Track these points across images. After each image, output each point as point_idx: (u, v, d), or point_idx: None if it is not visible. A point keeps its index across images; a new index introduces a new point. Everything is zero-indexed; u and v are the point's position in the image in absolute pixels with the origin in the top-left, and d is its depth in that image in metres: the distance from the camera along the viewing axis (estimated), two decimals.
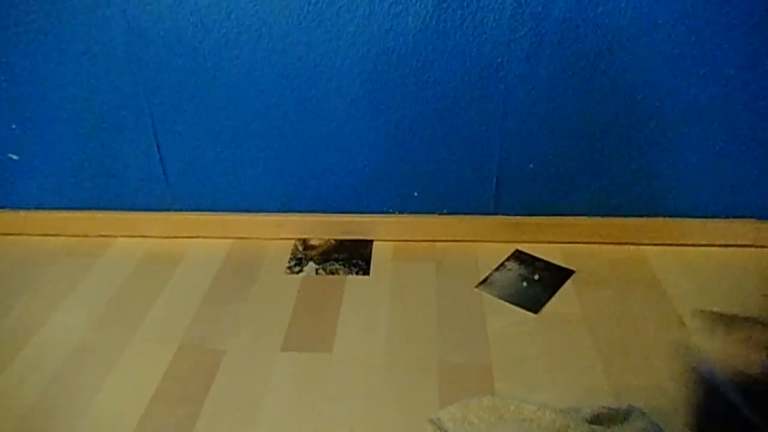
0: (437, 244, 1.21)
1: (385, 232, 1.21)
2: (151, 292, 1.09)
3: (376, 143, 1.12)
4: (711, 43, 0.99)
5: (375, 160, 1.14)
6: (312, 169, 1.16)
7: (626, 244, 1.18)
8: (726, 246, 1.17)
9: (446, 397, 0.85)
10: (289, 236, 1.23)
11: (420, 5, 0.98)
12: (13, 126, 1.15)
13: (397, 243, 1.21)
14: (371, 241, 1.22)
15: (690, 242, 1.17)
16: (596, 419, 0.78)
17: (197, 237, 1.24)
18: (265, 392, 0.87)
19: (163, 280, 1.12)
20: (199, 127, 1.13)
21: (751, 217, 1.15)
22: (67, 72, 1.08)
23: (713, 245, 1.17)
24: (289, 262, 1.15)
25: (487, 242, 1.20)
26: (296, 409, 0.84)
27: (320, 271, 1.13)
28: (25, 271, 1.16)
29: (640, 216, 1.17)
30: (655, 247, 1.17)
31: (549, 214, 1.18)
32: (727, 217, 1.15)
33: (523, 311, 1.02)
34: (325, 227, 1.22)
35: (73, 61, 1.07)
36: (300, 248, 1.16)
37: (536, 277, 1.10)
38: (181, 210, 1.23)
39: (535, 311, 1.01)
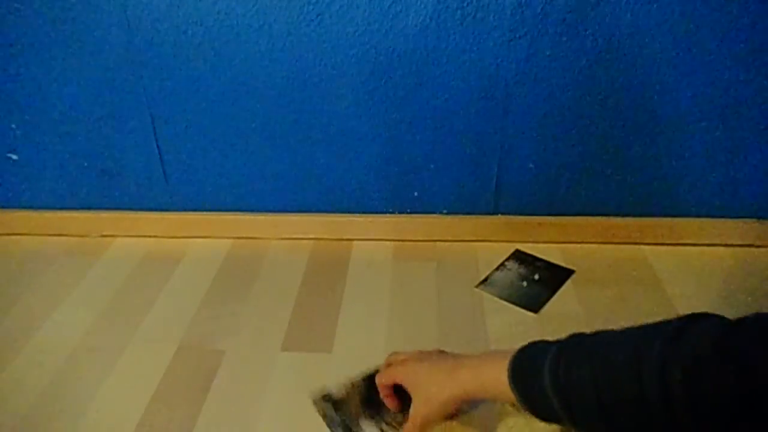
0: (437, 244, 1.21)
1: (385, 232, 1.21)
2: (151, 292, 1.09)
3: (376, 143, 1.12)
4: (712, 43, 0.99)
5: (375, 160, 1.14)
6: (312, 168, 1.16)
7: (626, 244, 1.18)
8: (726, 246, 1.17)
9: None
10: (289, 236, 1.23)
11: (420, 5, 0.98)
12: (13, 126, 1.15)
13: (397, 243, 1.21)
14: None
15: (690, 242, 1.17)
16: None
17: (197, 237, 1.24)
18: (265, 392, 0.87)
19: (163, 280, 1.12)
20: (199, 127, 1.13)
21: (751, 217, 1.15)
22: (67, 71, 1.08)
23: (713, 245, 1.17)
24: None
25: (487, 242, 1.20)
26: (296, 409, 0.84)
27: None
28: (25, 271, 1.16)
29: (640, 216, 1.17)
30: (655, 247, 1.17)
31: (549, 214, 1.18)
32: (727, 217, 1.15)
33: (523, 311, 1.02)
34: (325, 227, 1.22)
35: (73, 61, 1.07)
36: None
37: (536, 277, 1.10)
38: (181, 210, 1.23)
39: (535, 311, 1.01)
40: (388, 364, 0.81)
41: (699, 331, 0.50)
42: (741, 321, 0.50)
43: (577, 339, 0.63)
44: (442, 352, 0.79)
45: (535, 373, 0.60)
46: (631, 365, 0.52)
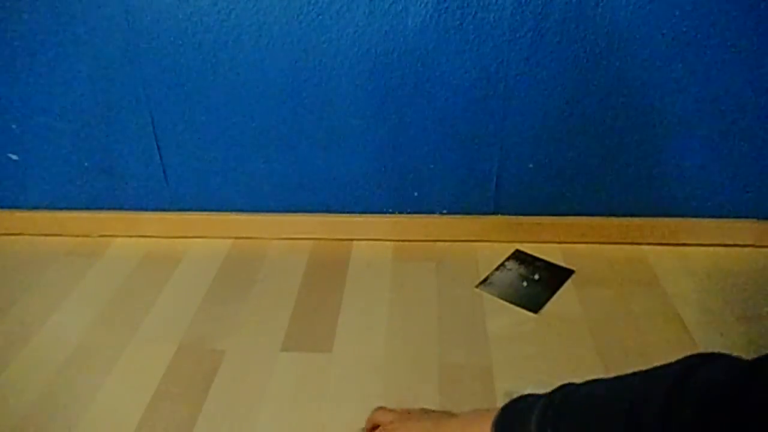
0: (437, 244, 1.21)
1: (385, 232, 1.21)
2: (151, 292, 1.09)
3: (376, 143, 1.12)
4: (712, 43, 0.99)
5: (375, 159, 1.14)
6: (312, 169, 1.16)
7: (626, 244, 1.18)
8: (726, 246, 1.17)
9: (446, 397, 0.85)
10: (289, 236, 1.23)
11: (420, 5, 0.98)
12: (13, 126, 1.15)
13: (397, 243, 1.21)
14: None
15: (690, 242, 1.17)
16: None
17: (197, 237, 1.24)
18: (265, 392, 0.87)
19: (163, 280, 1.12)
20: (199, 127, 1.13)
21: (751, 217, 1.15)
22: (67, 72, 1.08)
23: (713, 245, 1.17)
24: None
25: (487, 242, 1.20)
26: (296, 409, 0.84)
27: None
28: (25, 271, 1.16)
29: (640, 216, 1.17)
30: (655, 247, 1.17)
31: (549, 214, 1.18)
32: (727, 217, 1.15)
33: (523, 311, 1.02)
34: (325, 227, 1.22)
35: (73, 61, 1.07)
36: None
37: (536, 277, 1.10)
38: (181, 210, 1.23)
39: (535, 311, 1.01)
40: (373, 425, 0.79)
41: (709, 374, 0.46)
42: (757, 365, 0.44)
43: (565, 390, 0.59)
44: (425, 411, 0.78)
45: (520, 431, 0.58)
46: (630, 410, 0.48)
